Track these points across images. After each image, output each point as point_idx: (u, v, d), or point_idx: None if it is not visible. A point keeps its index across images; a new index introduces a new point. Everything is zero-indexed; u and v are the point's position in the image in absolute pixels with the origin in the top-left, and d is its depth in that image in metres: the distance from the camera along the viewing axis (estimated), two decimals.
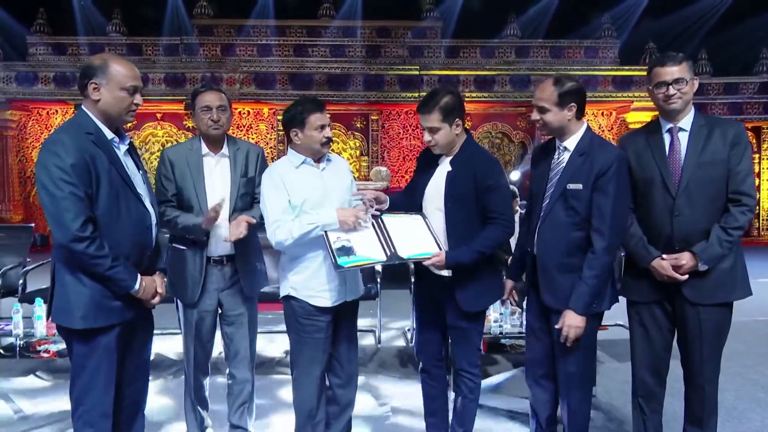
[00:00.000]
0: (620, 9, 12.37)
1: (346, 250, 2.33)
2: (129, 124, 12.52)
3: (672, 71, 2.40)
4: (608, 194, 2.31)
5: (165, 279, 2.40)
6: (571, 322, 2.34)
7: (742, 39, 11.38)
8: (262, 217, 2.77)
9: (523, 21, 12.56)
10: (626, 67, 11.79)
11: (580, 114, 2.43)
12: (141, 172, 2.34)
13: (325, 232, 2.40)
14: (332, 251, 2.32)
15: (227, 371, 2.91)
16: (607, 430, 3.21)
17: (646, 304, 2.54)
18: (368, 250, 2.39)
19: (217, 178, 2.81)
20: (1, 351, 3.75)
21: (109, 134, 2.21)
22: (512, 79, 11.54)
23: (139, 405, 2.44)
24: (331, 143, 2.59)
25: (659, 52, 11.76)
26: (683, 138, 2.44)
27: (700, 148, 2.40)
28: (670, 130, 2.47)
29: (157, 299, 2.31)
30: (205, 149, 2.81)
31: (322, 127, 2.50)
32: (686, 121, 2.45)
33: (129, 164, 2.27)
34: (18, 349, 3.63)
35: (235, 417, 2.90)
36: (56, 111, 11.84)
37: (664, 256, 2.42)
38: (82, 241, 2.04)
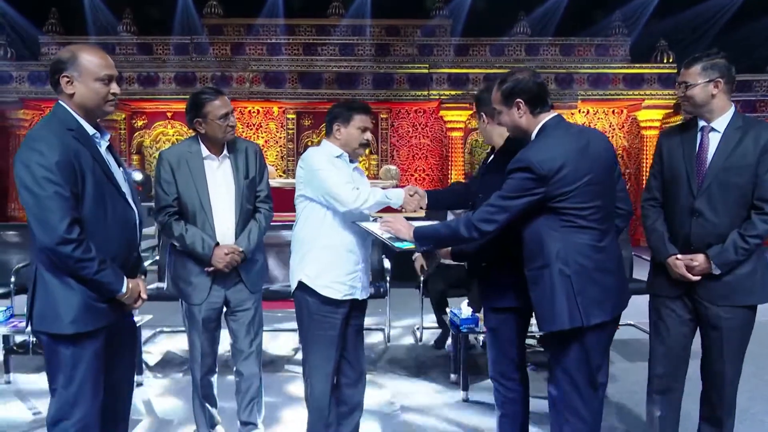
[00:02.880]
0: (631, 6, 12.25)
1: (396, 239, 2.42)
2: (140, 122, 12.58)
3: (681, 73, 2.43)
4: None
5: (145, 283, 2.31)
6: None
7: (755, 36, 11.24)
8: (263, 229, 2.87)
9: (533, 19, 12.48)
10: (637, 65, 11.68)
11: (539, 109, 2.20)
12: (121, 168, 2.22)
13: (368, 229, 2.50)
14: (386, 240, 2.41)
15: (234, 368, 2.92)
16: (618, 431, 3.19)
17: (664, 299, 2.54)
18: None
19: (220, 181, 2.78)
20: (15, 348, 3.79)
21: (91, 129, 2.09)
22: None
23: (124, 415, 2.33)
24: (367, 147, 2.70)
25: (670, 50, 11.68)
26: (714, 139, 2.40)
27: (729, 151, 2.34)
28: (702, 129, 2.43)
29: (140, 303, 2.22)
30: (206, 152, 2.77)
31: (364, 129, 2.60)
32: (720, 121, 2.39)
33: (110, 161, 2.16)
34: (31, 346, 3.67)
35: (245, 414, 2.91)
36: None
37: (680, 255, 2.41)
38: (68, 243, 1.93)
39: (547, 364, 2.41)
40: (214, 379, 2.94)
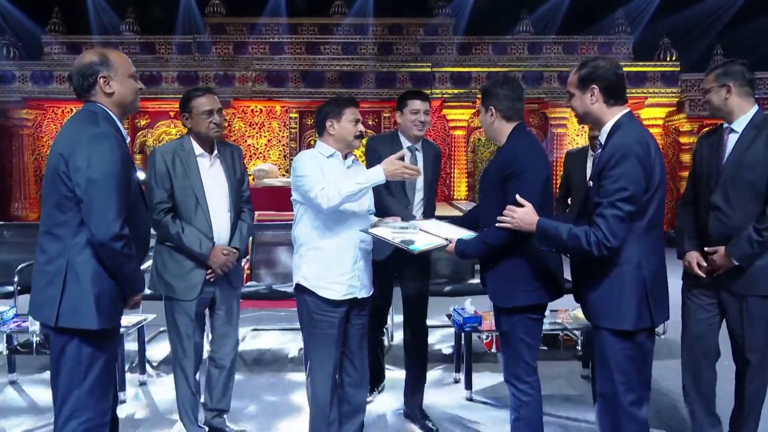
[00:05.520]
0: (634, 4, 12.21)
1: (409, 242, 2.38)
2: (143, 122, 12.57)
3: (702, 82, 2.69)
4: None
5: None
6: None
7: (758, 34, 11.19)
8: (250, 229, 2.95)
9: (536, 17, 12.45)
10: (640, 63, 11.63)
11: (613, 100, 2.17)
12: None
13: (378, 235, 2.45)
14: (398, 245, 2.37)
15: (212, 359, 2.98)
16: None
17: (692, 288, 2.70)
18: (427, 239, 2.43)
19: (213, 179, 2.84)
20: (19, 347, 3.80)
21: (123, 131, 2.15)
22: (525, 75, 11.44)
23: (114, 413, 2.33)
24: (362, 138, 2.68)
25: (674, 47, 11.65)
26: (732, 138, 2.57)
27: (742, 150, 2.50)
28: (724, 131, 2.63)
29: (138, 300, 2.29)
30: (199, 150, 2.83)
31: (357, 121, 2.62)
32: (739, 122, 2.56)
33: None
34: (34, 345, 3.67)
35: (221, 402, 3.01)
36: (71, 110, 11.92)
37: (706, 248, 2.58)
38: (120, 239, 1.99)
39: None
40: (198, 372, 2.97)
